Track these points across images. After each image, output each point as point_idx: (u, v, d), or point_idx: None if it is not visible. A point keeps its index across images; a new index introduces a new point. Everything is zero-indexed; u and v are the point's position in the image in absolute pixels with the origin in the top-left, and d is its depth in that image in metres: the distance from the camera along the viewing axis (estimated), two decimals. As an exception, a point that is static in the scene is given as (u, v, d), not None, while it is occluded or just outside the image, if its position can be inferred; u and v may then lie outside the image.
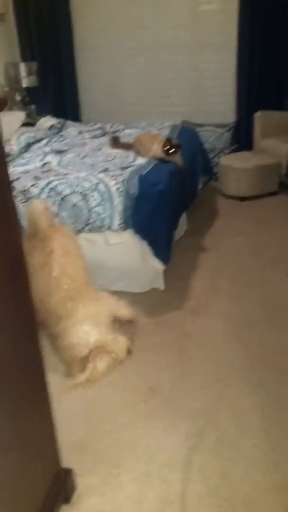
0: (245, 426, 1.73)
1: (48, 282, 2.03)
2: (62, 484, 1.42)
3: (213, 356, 2.12)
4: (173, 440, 1.69)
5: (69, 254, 2.11)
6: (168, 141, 2.82)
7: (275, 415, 1.77)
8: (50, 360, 2.07)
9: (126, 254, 2.60)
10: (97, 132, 3.78)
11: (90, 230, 2.55)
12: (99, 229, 2.54)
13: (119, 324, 2.10)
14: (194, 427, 1.74)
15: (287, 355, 2.10)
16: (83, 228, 2.55)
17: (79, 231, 2.56)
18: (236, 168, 3.92)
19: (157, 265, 2.57)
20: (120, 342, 1.97)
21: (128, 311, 2.17)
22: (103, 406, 1.88)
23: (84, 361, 1.92)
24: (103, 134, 3.78)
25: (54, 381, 1.93)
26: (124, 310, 2.15)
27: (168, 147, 2.80)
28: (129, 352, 2.03)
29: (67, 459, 1.61)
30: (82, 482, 1.54)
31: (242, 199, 3.99)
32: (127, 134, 3.66)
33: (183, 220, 3.32)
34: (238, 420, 1.76)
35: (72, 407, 1.87)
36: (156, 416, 1.80)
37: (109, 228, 2.53)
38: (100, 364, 1.91)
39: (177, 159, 2.88)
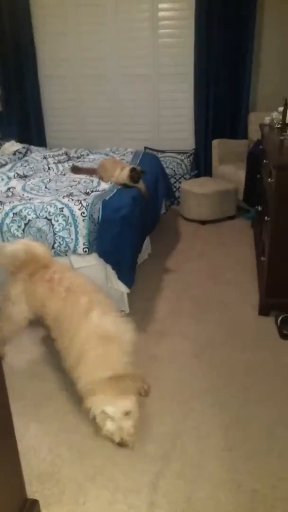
0: (209, 447, 1.77)
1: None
2: (27, 516, 1.39)
3: (177, 378, 2.16)
4: (139, 465, 1.69)
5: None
6: (133, 170, 2.91)
7: (238, 434, 1.82)
8: (16, 386, 2.05)
9: (91, 277, 2.61)
10: (62, 157, 3.82)
11: (55, 254, 2.55)
12: (64, 253, 2.55)
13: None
14: (160, 451, 1.75)
15: (248, 374, 2.17)
16: (47, 252, 2.55)
17: (43, 256, 2.57)
18: (196, 193, 4.07)
19: (122, 288, 2.61)
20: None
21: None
22: (68, 433, 1.86)
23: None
24: (68, 159, 3.83)
25: (20, 410, 1.91)
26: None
27: (134, 175, 2.88)
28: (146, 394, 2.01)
29: (33, 490, 1.58)
30: (47, 513, 1.52)
31: (203, 222, 4.13)
32: (91, 160, 3.72)
33: (146, 243, 3.39)
34: (203, 442, 1.79)
35: (38, 435, 1.84)
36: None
37: (74, 252, 2.55)
38: (127, 424, 1.70)
39: (140, 184, 2.96)
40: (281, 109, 3.31)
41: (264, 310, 2.64)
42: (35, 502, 1.44)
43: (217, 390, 2.07)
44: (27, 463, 1.69)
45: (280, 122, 3.26)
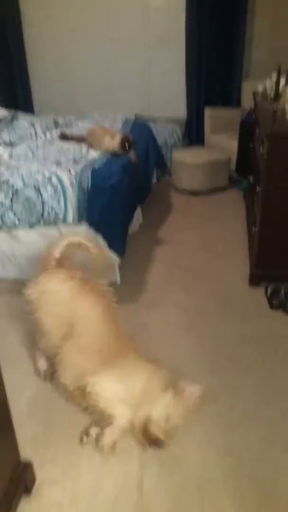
0: (198, 412, 1.81)
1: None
2: (21, 477, 1.42)
3: (168, 348, 2.19)
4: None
5: None
6: (125, 138, 2.84)
7: (227, 401, 1.86)
8: (11, 352, 2.06)
9: (81, 248, 2.60)
10: (50, 124, 3.71)
11: (45, 224, 2.53)
12: (53, 222, 2.52)
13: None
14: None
15: (237, 343, 2.21)
16: (37, 222, 2.52)
17: (33, 225, 2.53)
18: (188, 163, 4.01)
19: (113, 258, 2.60)
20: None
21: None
22: (62, 399, 1.89)
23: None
24: (56, 127, 3.73)
25: (14, 375, 1.93)
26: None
27: (126, 144, 2.82)
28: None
29: (27, 452, 1.61)
30: (42, 474, 1.56)
31: (195, 193, 4.10)
32: (80, 127, 3.63)
33: (137, 214, 3.36)
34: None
35: (32, 400, 1.87)
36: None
37: (63, 221, 2.51)
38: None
39: (130, 153, 2.91)
40: (274, 76, 3.24)
41: (254, 281, 2.66)
42: (28, 464, 1.48)
43: (206, 359, 2.11)
44: (21, 427, 1.71)
45: (274, 91, 3.19)
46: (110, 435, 1.62)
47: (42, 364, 1.96)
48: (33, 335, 1.96)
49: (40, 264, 1.89)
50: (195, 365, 2.06)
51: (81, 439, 1.69)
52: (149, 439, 1.56)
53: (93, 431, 1.69)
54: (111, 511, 1.45)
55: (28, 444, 1.67)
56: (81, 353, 1.67)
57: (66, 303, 1.72)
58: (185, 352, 2.15)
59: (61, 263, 1.87)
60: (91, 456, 1.63)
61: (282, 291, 2.48)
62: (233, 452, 1.64)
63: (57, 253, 1.87)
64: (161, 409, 1.55)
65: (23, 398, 1.88)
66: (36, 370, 1.99)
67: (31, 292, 1.80)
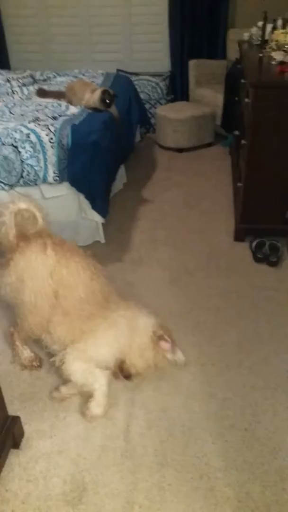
0: (184, 362, 1.85)
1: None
2: (9, 431, 1.46)
3: (153, 302, 2.19)
4: (117, 383, 1.76)
5: None
6: (106, 92, 2.73)
7: (211, 351, 1.90)
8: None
9: (63, 207, 2.55)
10: (27, 80, 3.55)
11: (25, 184, 2.46)
12: (33, 182, 2.45)
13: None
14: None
15: (221, 296, 2.23)
16: (17, 182, 2.45)
17: (12, 186, 2.47)
18: (172, 118, 3.90)
19: (96, 218, 2.56)
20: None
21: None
22: (48, 357, 1.90)
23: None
24: (33, 82, 3.57)
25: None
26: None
27: (107, 99, 2.71)
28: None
29: (14, 408, 1.65)
30: (30, 428, 1.60)
31: (180, 150, 4.01)
32: (59, 82, 3.48)
33: (121, 173, 3.29)
34: (177, 359, 1.87)
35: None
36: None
37: (44, 181, 2.45)
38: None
39: (112, 108, 2.80)
40: (260, 24, 3.09)
41: (239, 236, 2.66)
42: (16, 418, 1.51)
43: (191, 312, 2.13)
44: (8, 385, 1.75)
45: (260, 38, 3.06)
46: (96, 405, 1.60)
47: (27, 354, 1.84)
48: (9, 326, 1.88)
49: (2, 244, 1.68)
50: (180, 319, 2.09)
51: (51, 394, 1.71)
52: (122, 371, 1.62)
53: (64, 389, 1.70)
54: (99, 458, 1.50)
55: (16, 400, 1.71)
56: (70, 320, 1.61)
57: (49, 274, 1.60)
58: (170, 307, 2.17)
59: (24, 233, 1.67)
60: (78, 410, 1.67)
61: (267, 245, 2.48)
62: (216, 398, 1.69)
63: (11, 228, 1.63)
64: (137, 348, 1.59)
65: (9, 356, 1.90)
66: (22, 364, 1.85)
67: (7, 276, 1.65)
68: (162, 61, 4.57)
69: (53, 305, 1.61)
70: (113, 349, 1.60)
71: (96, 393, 1.59)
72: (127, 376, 1.65)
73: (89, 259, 1.69)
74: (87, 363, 1.58)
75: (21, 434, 1.55)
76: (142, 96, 4.07)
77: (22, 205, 1.62)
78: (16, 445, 1.52)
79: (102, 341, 1.61)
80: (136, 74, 4.44)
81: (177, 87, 4.53)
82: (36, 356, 1.86)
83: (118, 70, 4.46)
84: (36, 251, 1.61)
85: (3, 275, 1.65)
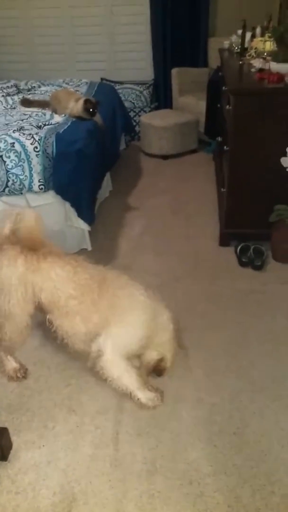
0: (170, 370, 1.85)
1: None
2: (-4, 443, 1.44)
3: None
4: (105, 390, 1.76)
5: None
6: (88, 101, 2.74)
7: (199, 356, 1.91)
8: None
9: (49, 216, 2.52)
10: (11, 90, 3.56)
11: (10, 193, 2.45)
12: (19, 191, 2.45)
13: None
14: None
15: (208, 301, 2.25)
16: (2, 191, 2.44)
17: (-3, 195, 2.46)
18: (156, 126, 3.94)
19: (82, 226, 2.57)
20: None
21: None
22: (36, 366, 1.89)
23: None
24: (17, 92, 3.58)
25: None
26: None
27: (90, 108, 2.73)
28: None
29: (2, 420, 1.63)
30: (18, 439, 1.58)
31: (165, 157, 4.05)
32: (43, 92, 3.49)
33: (107, 180, 3.31)
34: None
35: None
36: (87, 370, 1.85)
37: (29, 190, 2.45)
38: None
39: (96, 117, 2.82)
40: (240, 32, 3.16)
41: (224, 241, 2.69)
42: (4, 430, 1.49)
43: (178, 318, 2.13)
44: (-5, 396, 1.73)
45: (239, 46, 3.12)
46: (145, 397, 1.65)
47: (12, 365, 1.82)
48: None
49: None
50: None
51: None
52: (156, 368, 1.67)
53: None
54: (88, 468, 1.49)
55: (3, 411, 1.69)
56: (75, 317, 1.61)
57: (25, 279, 1.59)
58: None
59: (12, 239, 1.66)
60: (67, 419, 1.66)
61: (251, 249, 2.51)
62: (204, 403, 1.70)
63: (6, 231, 1.66)
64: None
65: (-4, 367, 1.88)
66: (8, 375, 1.83)
67: (10, 268, 1.60)
68: (145, 70, 4.62)
69: (30, 313, 1.62)
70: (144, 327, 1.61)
71: (140, 391, 1.64)
72: (161, 372, 1.68)
73: (66, 256, 1.69)
74: (123, 355, 1.60)
75: (9, 446, 1.54)
76: (126, 104, 4.11)
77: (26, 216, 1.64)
78: (4, 457, 1.50)
79: (131, 318, 1.61)
80: (120, 82, 4.48)
81: (161, 95, 4.58)
82: (21, 367, 1.84)
83: (102, 79, 4.50)
84: (6, 260, 1.60)
85: None
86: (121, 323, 1.60)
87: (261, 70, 2.53)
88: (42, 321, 2.13)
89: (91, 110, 2.74)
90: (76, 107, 2.80)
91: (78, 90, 3.38)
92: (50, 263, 1.62)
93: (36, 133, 2.46)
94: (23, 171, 2.41)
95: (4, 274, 1.59)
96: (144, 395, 1.65)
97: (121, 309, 1.61)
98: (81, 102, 2.77)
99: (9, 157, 2.38)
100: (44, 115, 2.85)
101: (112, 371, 1.59)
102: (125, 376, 1.61)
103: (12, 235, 1.66)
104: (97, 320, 1.60)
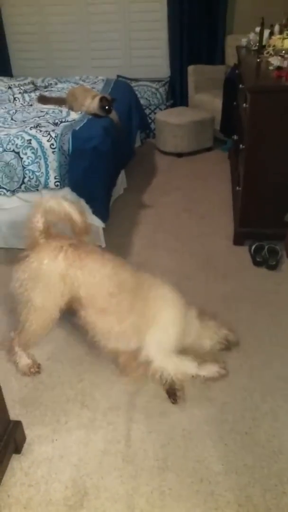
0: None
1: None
2: (11, 436, 1.46)
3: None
4: (117, 387, 1.78)
5: None
6: (103, 98, 2.75)
7: (211, 356, 1.91)
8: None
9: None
10: (28, 87, 3.59)
11: (26, 190, 2.48)
12: (35, 188, 2.48)
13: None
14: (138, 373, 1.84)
15: (220, 300, 2.24)
16: (18, 187, 2.47)
17: (14, 191, 2.49)
18: (172, 123, 3.93)
19: (97, 223, 2.58)
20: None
21: None
22: (50, 362, 1.92)
23: None
24: (34, 89, 3.61)
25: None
26: None
27: (105, 105, 2.74)
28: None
29: (16, 413, 1.66)
30: (31, 433, 1.61)
31: (179, 155, 4.04)
32: (59, 89, 3.52)
33: (122, 178, 3.32)
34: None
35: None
36: (100, 365, 1.88)
37: (45, 186, 2.47)
38: None
39: (112, 114, 2.83)
40: (258, 29, 3.12)
41: (238, 240, 2.67)
42: (18, 423, 1.52)
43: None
44: (9, 390, 1.76)
45: (257, 44, 3.09)
46: (208, 372, 1.73)
47: (25, 361, 1.84)
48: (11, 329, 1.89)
49: (26, 239, 1.72)
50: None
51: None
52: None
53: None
54: (100, 463, 1.51)
55: (17, 405, 1.72)
56: (110, 315, 1.65)
57: (60, 278, 1.63)
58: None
59: (48, 232, 1.72)
60: (79, 414, 1.68)
61: (265, 248, 2.49)
62: (216, 402, 1.70)
63: (39, 224, 1.69)
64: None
65: (10, 360, 1.91)
66: (21, 371, 1.85)
67: (21, 272, 1.67)
68: (161, 67, 4.61)
69: (61, 308, 1.67)
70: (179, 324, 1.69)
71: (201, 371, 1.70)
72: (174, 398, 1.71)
73: (108, 254, 1.74)
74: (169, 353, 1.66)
75: (23, 439, 1.56)
76: (142, 101, 4.11)
77: (53, 204, 1.67)
78: (17, 450, 1.53)
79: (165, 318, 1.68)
80: (136, 80, 4.48)
81: (177, 93, 4.56)
82: (34, 363, 1.87)
83: (118, 76, 4.50)
84: (49, 254, 1.65)
85: (18, 270, 1.69)
86: (159, 325, 1.66)
87: (279, 68, 2.50)
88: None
89: (106, 107, 2.75)
90: (92, 104, 2.81)
91: (94, 87, 3.39)
92: (92, 260, 1.67)
93: (53, 130, 2.48)
94: (39, 167, 2.43)
95: (44, 269, 1.63)
96: (207, 371, 1.72)
97: (157, 311, 1.67)
98: (96, 99, 2.78)
99: (25, 153, 2.41)
100: (61, 112, 2.87)
101: (168, 370, 1.65)
102: (179, 367, 1.67)
103: (46, 229, 1.70)
104: (132, 320, 1.64)
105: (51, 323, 1.71)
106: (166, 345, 1.67)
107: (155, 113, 4.31)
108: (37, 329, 1.71)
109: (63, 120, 2.68)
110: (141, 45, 4.58)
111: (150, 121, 4.29)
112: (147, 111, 4.31)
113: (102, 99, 2.75)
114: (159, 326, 1.66)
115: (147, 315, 1.65)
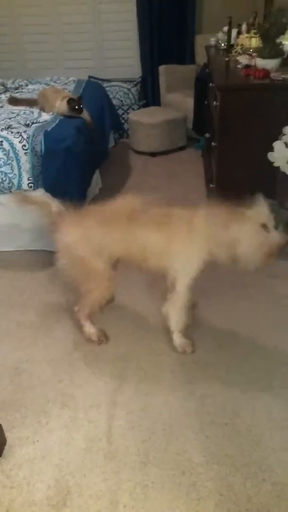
0: (163, 364, 1.87)
1: None
2: (-10, 439, 1.45)
3: (134, 307, 2.23)
4: (98, 384, 1.78)
5: None
6: (71, 100, 2.74)
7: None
8: None
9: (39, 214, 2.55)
10: (-2, 88, 3.54)
11: (-1, 192, 2.46)
12: (8, 189, 2.46)
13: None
14: (116, 371, 1.85)
15: (198, 295, 2.27)
16: (-10, 190, 2.45)
17: (-14, 194, 2.46)
18: (145, 123, 3.95)
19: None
20: None
21: None
22: (28, 363, 1.90)
23: None
24: (5, 91, 3.56)
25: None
26: None
27: (74, 105, 2.73)
28: None
29: (-6, 416, 1.63)
30: (12, 435, 1.59)
31: (153, 154, 4.06)
32: (30, 90, 3.49)
33: (96, 178, 3.31)
34: (157, 359, 1.90)
35: (-4, 368, 1.88)
36: (80, 366, 1.87)
37: (18, 188, 2.45)
38: None
39: (84, 114, 2.82)
40: (226, 29, 3.18)
41: (213, 236, 2.71)
42: (-2, 426, 1.50)
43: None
44: (-13, 394, 1.74)
45: (226, 43, 3.15)
46: (179, 342, 1.90)
47: (91, 329, 1.98)
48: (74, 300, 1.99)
49: (51, 221, 1.85)
50: (158, 321, 2.11)
51: None
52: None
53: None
54: (82, 461, 1.51)
55: (-3, 407, 1.70)
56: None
57: (101, 234, 1.77)
58: (149, 310, 2.19)
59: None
60: (60, 414, 1.67)
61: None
62: (196, 395, 1.72)
63: (54, 207, 1.87)
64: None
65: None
66: (90, 340, 1.98)
67: (68, 238, 1.76)
68: (133, 67, 4.63)
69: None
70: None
71: None
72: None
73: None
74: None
75: (3, 442, 1.55)
76: (114, 102, 4.12)
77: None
78: (-2, 453, 1.52)
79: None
80: (108, 80, 4.48)
81: (149, 93, 4.59)
82: (102, 331, 2.00)
83: (90, 77, 4.49)
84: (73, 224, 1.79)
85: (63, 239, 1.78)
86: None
87: (247, 66, 2.56)
88: (33, 320, 2.14)
89: (76, 107, 2.74)
90: (61, 106, 2.79)
91: (66, 88, 3.38)
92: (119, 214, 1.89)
93: (24, 131, 2.46)
94: (12, 169, 2.41)
95: (88, 227, 1.78)
96: (179, 341, 1.90)
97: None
98: (64, 102, 2.77)
99: (-3, 155, 2.38)
100: (32, 113, 2.85)
101: (178, 303, 1.80)
102: (178, 314, 1.83)
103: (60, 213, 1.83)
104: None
105: (112, 283, 1.84)
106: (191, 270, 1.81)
107: (128, 113, 4.33)
108: (103, 290, 1.83)
109: (35, 121, 2.67)
110: (113, 46, 4.60)
111: (123, 121, 4.30)
112: (119, 111, 4.32)
113: (69, 101, 2.74)
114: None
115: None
